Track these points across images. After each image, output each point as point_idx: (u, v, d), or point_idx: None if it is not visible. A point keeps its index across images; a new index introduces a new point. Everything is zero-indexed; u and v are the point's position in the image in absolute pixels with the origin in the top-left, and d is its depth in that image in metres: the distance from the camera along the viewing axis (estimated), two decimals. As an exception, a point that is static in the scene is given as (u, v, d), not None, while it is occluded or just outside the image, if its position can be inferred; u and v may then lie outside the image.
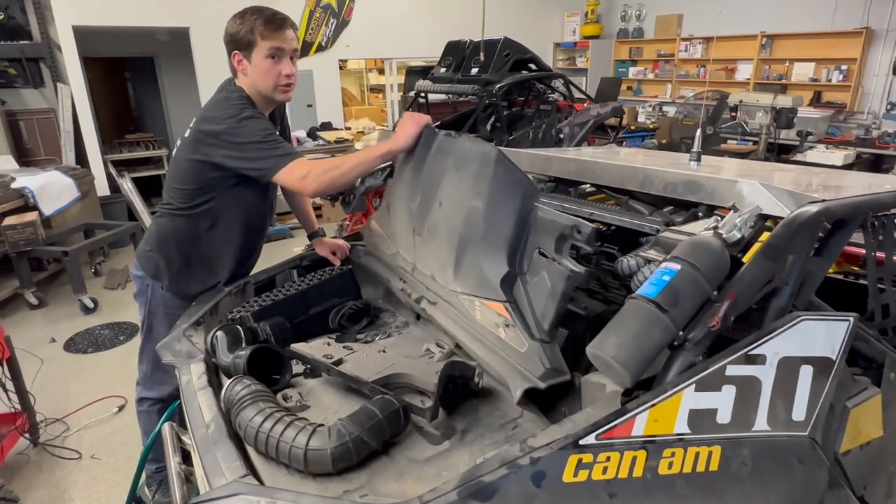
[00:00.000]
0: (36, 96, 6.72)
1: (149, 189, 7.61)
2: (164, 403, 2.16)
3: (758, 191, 1.29)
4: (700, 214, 1.44)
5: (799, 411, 1.12)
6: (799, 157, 5.87)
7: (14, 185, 5.05)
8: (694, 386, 1.03)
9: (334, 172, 1.73)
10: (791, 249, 1.18)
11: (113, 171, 6.89)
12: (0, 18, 6.34)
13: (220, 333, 1.59)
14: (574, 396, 1.25)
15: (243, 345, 1.55)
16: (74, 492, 2.87)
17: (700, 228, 1.28)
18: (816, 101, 7.46)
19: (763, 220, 1.27)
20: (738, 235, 1.13)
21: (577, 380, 1.24)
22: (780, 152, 6.13)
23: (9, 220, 4.73)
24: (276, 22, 1.79)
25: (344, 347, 1.54)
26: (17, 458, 3.07)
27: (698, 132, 1.94)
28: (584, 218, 1.83)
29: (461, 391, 1.37)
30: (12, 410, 3.00)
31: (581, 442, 0.95)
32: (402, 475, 1.17)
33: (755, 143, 6.18)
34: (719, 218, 1.20)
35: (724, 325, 1.07)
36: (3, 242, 4.70)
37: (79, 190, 5.57)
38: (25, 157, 6.67)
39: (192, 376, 1.46)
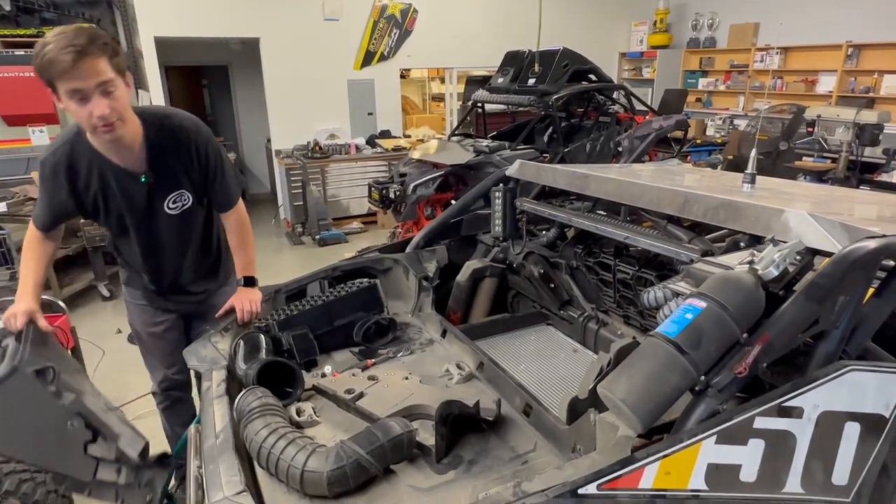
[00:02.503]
0: (121, 102, 7.21)
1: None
2: (165, 401, 2.28)
3: (805, 222, 1.16)
4: (742, 244, 1.32)
5: (841, 474, 0.99)
6: (885, 176, 5.38)
7: (94, 185, 5.43)
8: (715, 437, 0.93)
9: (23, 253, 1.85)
10: (841, 290, 1.06)
11: (184, 173, 7.27)
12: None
13: (240, 341, 1.62)
14: (589, 434, 1.17)
15: (262, 354, 1.56)
16: (123, 479, 3.02)
17: (738, 260, 1.17)
18: (909, 117, 6.83)
19: (812, 256, 1.15)
20: (776, 273, 1.02)
21: (592, 417, 1.16)
22: (862, 171, 5.65)
23: (87, 217, 5.09)
24: (66, 60, 1.40)
25: (368, 378, 1.52)
26: (75, 443, 3.26)
27: (753, 152, 1.80)
28: (618, 242, 1.75)
29: (472, 421, 1.31)
30: (73, 397, 3.20)
31: (580, 491, 0.88)
32: (401, 504, 1.13)
33: (834, 160, 5.73)
34: (756, 252, 1.09)
35: (752, 372, 0.96)
36: (80, 238, 5.07)
37: (151, 190, 5.91)
38: (109, 159, 7.18)
39: (213, 383, 1.49)
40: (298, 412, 1.42)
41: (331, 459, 1.11)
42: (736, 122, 8.19)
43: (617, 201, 1.68)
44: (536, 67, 5.45)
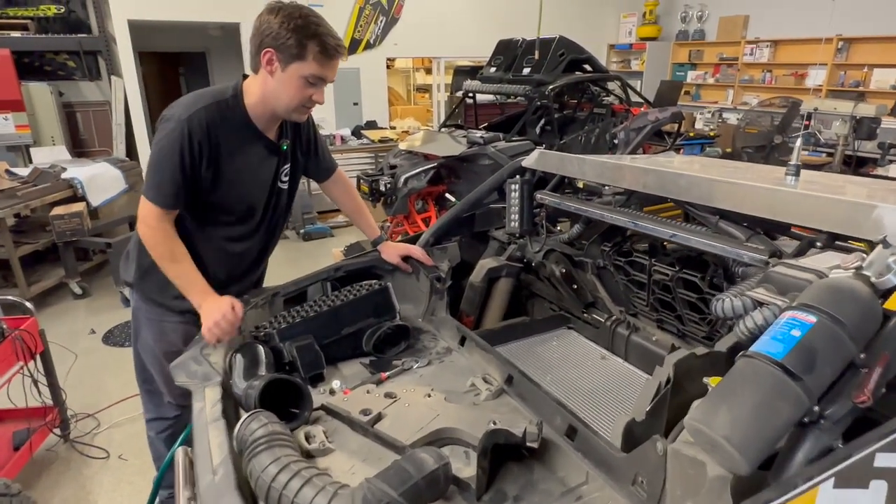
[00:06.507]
0: (92, 89, 6.86)
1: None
2: (171, 429, 2.02)
3: (905, 220, 1.01)
4: (819, 244, 1.16)
5: (969, 519, 0.84)
6: (880, 170, 5.35)
7: (64, 176, 5.12)
8: (833, 480, 0.77)
9: (157, 252, 1.66)
10: (954, 299, 0.90)
11: (160, 164, 6.95)
12: (61, 12, 6.49)
13: (237, 354, 1.42)
14: (655, 465, 1.01)
15: (262, 369, 1.36)
16: (99, 493, 2.80)
17: (827, 264, 1.01)
18: (898, 111, 6.84)
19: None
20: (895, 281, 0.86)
21: (659, 445, 1.00)
22: (857, 165, 5.62)
23: (57, 210, 4.79)
24: (335, 50, 1.59)
25: (385, 396, 1.33)
26: (46, 455, 3.02)
27: (799, 141, 1.65)
28: (663, 240, 1.59)
29: (512, 448, 1.14)
30: (43, 405, 2.96)
31: (683, 552, 0.71)
32: (441, 554, 0.95)
33: (829, 154, 5.69)
34: (863, 255, 0.93)
35: (874, 399, 0.80)
36: (50, 232, 4.76)
37: (126, 182, 5.61)
38: (80, 148, 6.84)
39: (206, 404, 1.29)
40: (308, 438, 1.23)
41: (357, 503, 0.93)
42: (725, 115, 8.15)
43: (659, 195, 1.51)
44: (536, 55, 5.26)
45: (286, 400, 1.31)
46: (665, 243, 1.69)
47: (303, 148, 1.92)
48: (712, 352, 1.21)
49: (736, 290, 1.11)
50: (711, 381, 1.14)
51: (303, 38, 1.54)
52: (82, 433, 3.19)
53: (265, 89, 1.63)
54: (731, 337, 1.19)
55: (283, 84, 1.60)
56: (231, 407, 1.33)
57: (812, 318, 0.82)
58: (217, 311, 1.54)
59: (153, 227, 1.63)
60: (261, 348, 1.45)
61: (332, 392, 1.45)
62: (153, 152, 1.63)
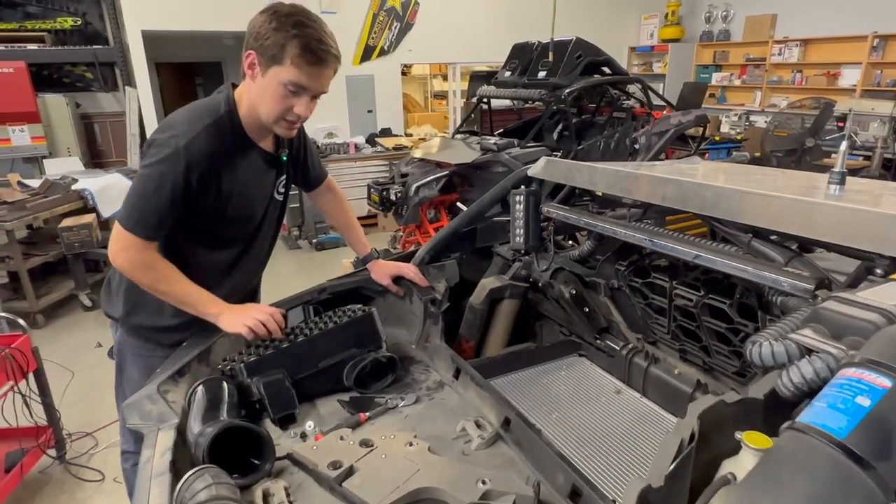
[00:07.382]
0: (109, 99, 6.89)
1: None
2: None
3: None
4: (879, 272, 0.95)
5: None
6: (922, 175, 5.01)
7: (75, 187, 5.08)
8: None
9: (147, 280, 1.47)
10: None
11: (174, 174, 6.95)
12: (77, 24, 6.53)
13: (199, 390, 1.25)
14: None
15: (223, 411, 1.20)
16: (91, 519, 2.68)
17: (894, 300, 0.80)
18: (940, 111, 6.44)
19: None
20: None
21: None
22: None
23: (66, 222, 4.75)
24: (316, 55, 1.37)
25: (361, 444, 1.15)
26: (39, 477, 2.92)
27: (843, 145, 1.42)
28: (686, 262, 1.38)
29: (503, 519, 0.95)
30: (36, 425, 2.86)
31: None
32: None
33: (867, 157, 5.35)
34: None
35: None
36: (59, 243, 4.72)
37: (137, 193, 5.55)
38: (98, 159, 6.86)
39: (155, 452, 1.12)
40: (266, 497, 1.05)
41: None
42: (753, 118, 7.82)
43: (680, 209, 1.31)
44: (550, 56, 5.06)
45: (247, 447, 1.15)
46: (689, 264, 1.48)
47: (293, 155, 1.77)
48: (746, 399, 1.00)
49: (775, 330, 0.90)
50: (745, 437, 0.94)
51: (282, 38, 1.35)
52: (78, 453, 3.08)
53: (250, 97, 1.47)
54: (770, 378, 0.98)
55: (262, 91, 1.42)
56: (186, 456, 1.16)
57: (886, 382, 0.62)
58: (255, 311, 1.45)
59: (135, 258, 1.46)
60: (225, 385, 1.28)
61: (303, 436, 1.27)
62: (142, 177, 1.43)
